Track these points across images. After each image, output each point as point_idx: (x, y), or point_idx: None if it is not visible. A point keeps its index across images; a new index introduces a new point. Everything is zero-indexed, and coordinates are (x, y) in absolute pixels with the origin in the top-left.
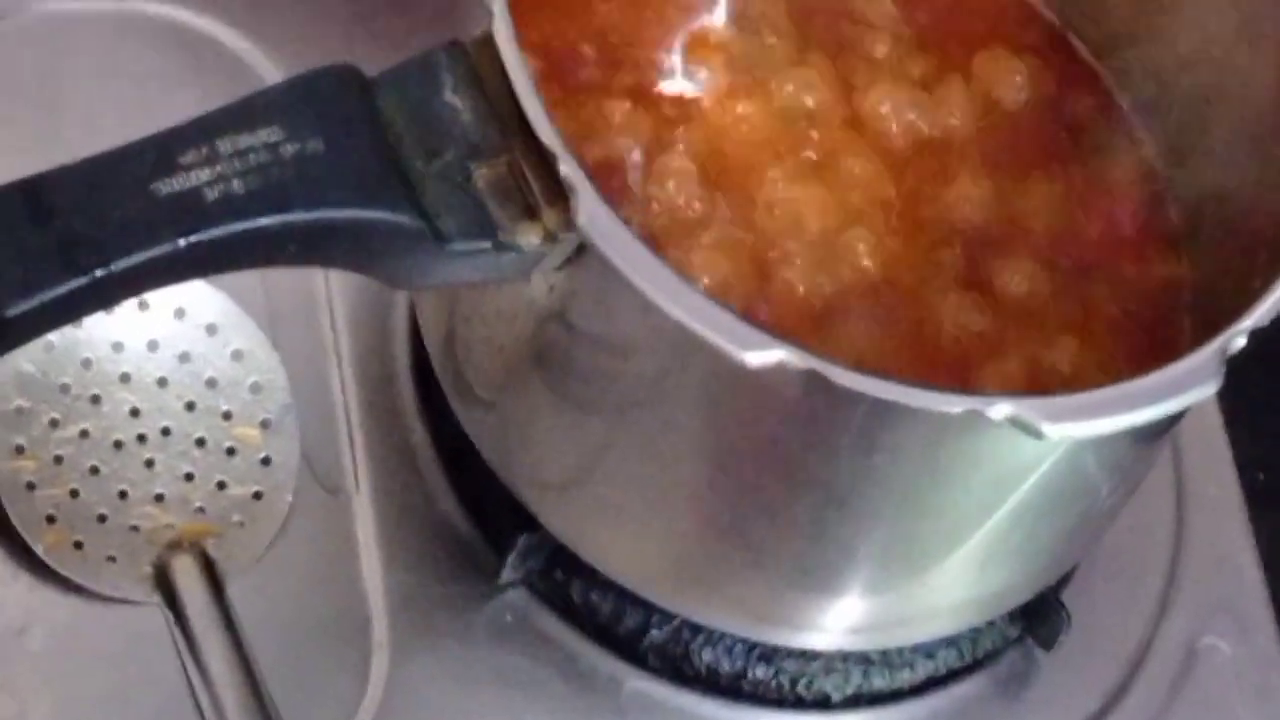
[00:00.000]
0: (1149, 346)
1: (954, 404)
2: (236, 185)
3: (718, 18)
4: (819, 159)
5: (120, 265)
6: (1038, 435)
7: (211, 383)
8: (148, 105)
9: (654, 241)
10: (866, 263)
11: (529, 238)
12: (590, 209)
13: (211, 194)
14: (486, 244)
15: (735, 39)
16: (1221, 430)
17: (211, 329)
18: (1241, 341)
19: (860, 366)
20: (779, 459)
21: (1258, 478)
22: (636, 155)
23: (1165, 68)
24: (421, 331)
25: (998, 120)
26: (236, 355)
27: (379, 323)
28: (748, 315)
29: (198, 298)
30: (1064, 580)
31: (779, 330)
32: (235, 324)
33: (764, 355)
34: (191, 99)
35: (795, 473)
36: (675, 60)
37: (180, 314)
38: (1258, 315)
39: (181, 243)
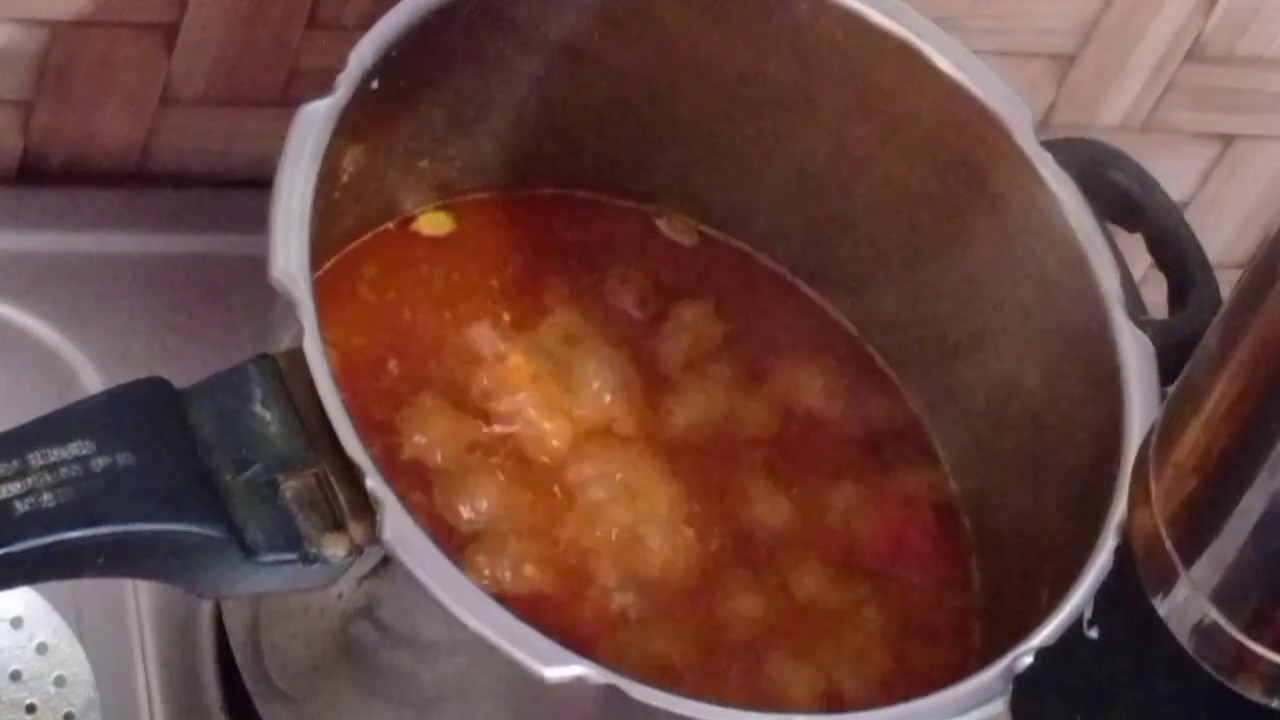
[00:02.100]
0: (939, 653)
1: None
2: (47, 499)
3: (519, 318)
4: (622, 467)
5: None
6: None
7: (15, 675)
8: None
9: (463, 543)
10: (664, 565)
11: (335, 549)
12: (396, 523)
13: (22, 507)
14: (293, 555)
15: (535, 338)
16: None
17: (16, 622)
18: (1028, 660)
19: (657, 680)
20: None
21: None
22: (442, 461)
23: (958, 384)
24: (226, 627)
25: (796, 426)
26: (41, 649)
27: (184, 617)
28: (547, 628)
29: (2, 591)
30: None
31: (580, 631)
32: (40, 618)
33: (564, 670)
34: (0, 392)
35: None
36: (481, 367)
37: None
38: (1044, 634)
39: None
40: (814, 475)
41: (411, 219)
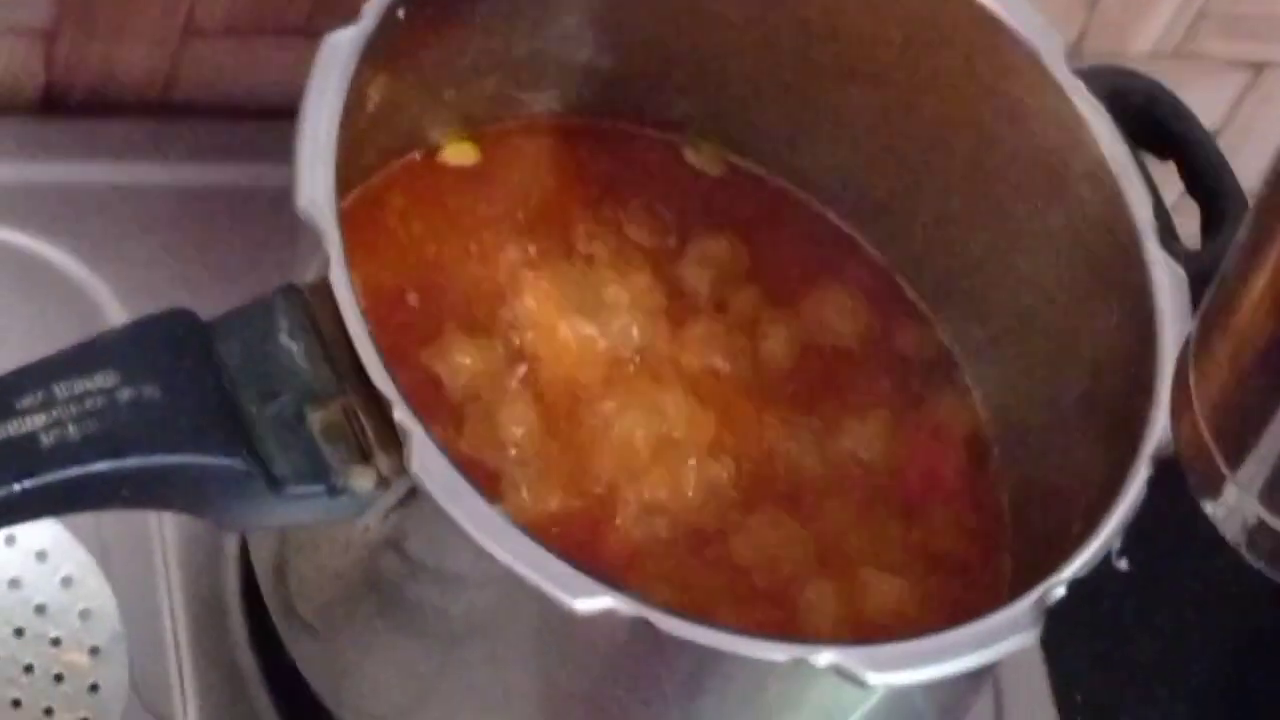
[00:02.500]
0: (970, 585)
1: (779, 652)
2: (72, 431)
3: (545, 250)
4: (649, 399)
5: None
6: (861, 684)
7: (40, 609)
8: None
9: (490, 476)
10: (692, 498)
11: (362, 482)
12: (423, 454)
13: (47, 439)
14: (320, 488)
15: (561, 270)
16: (1039, 655)
17: (41, 555)
18: (1060, 591)
19: (686, 612)
20: (607, 699)
21: (1075, 699)
22: (467, 393)
23: (987, 314)
24: (252, 560)
25: (824, 358)
26: (66, 582)
27: (209, 550)
28: (576, 560)
29: (28, 524)
30: None
31: (607, 564)
32: (65, 550)
33: (593, 602)
34: (24, 324)
35: (624, 712)
36: (507, 299)
37: (10, 540)
38: (1076, 565)
39: (16, 487)
40: (842, 407)
41: (437, 150)
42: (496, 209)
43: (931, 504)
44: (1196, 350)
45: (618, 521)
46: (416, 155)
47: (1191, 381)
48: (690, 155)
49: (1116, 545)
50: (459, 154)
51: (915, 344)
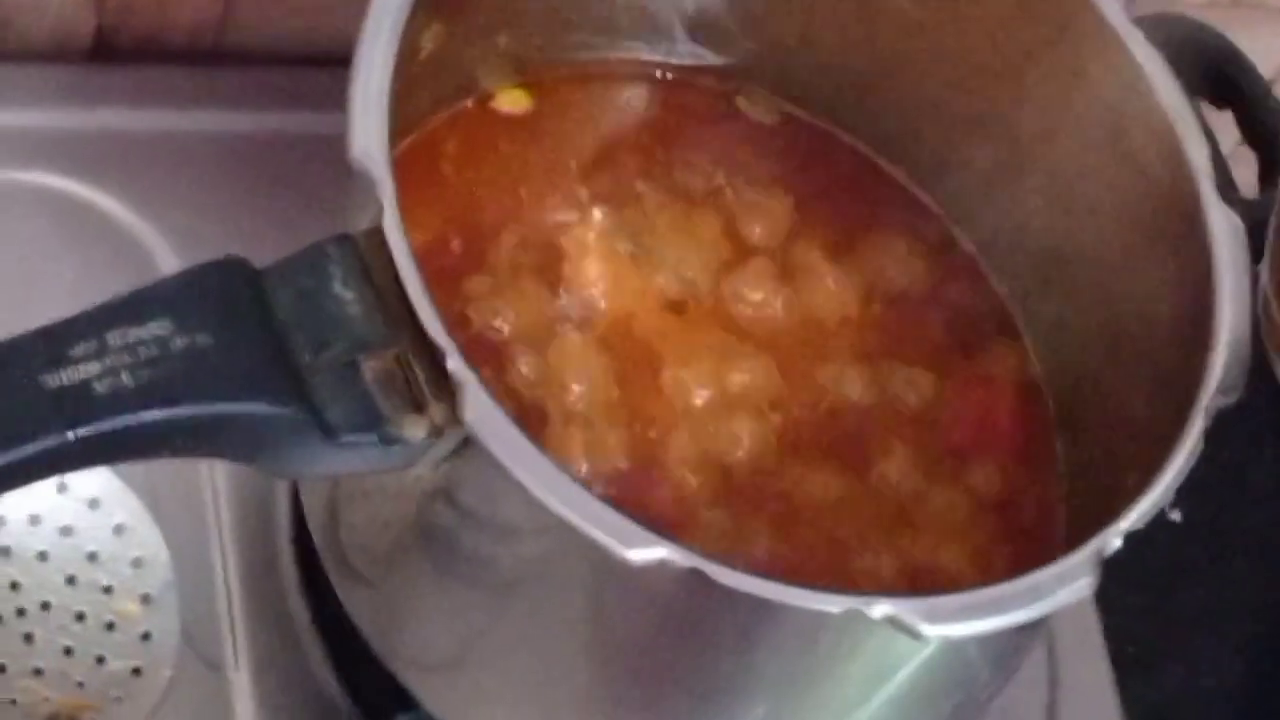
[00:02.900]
0: (1024, 536)
1: (834, 603)
2: (125, 379)
3: (597, 196)
4: (703, 349)
5: (7, 458)
6: (916, 636)
7: (93, 557)
8: (31, 276)
9: (541, 424)
10: (748, 448)
11: (415, 431)
12: (477, 404)
13: (100, 387)
14: (373, 437)
15: (613, 217)
16: (1092, 607)
17: (93, 503)
18: (1117, 543)
19: (741, 563)
20: (660, 651)
21: (1127, 650)
22: (521, 342)
23: (1042, 263)
24: (304, 508)
25: (879, 307)
26: (118, 530)
27: (261, 498)
28: (630, 510)
29: (80, 472)
30: None
31: (660, 516)
32: (117, 498)
33: (647, 553)
34: (76, 272)
35: (676, 665)
36: (560, 248)
37: (62, 488)
38: (1133, 517)
39: (70, 435)
40: (897, 357)
41: (490, 97)
42: (549, 156)
43: (986, 454)
44: None
45: (672, 472)
46: (469, 103)
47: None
48: (744, 105)
49: (1170, 497)
50: (512, 101)
51: (969, 293)
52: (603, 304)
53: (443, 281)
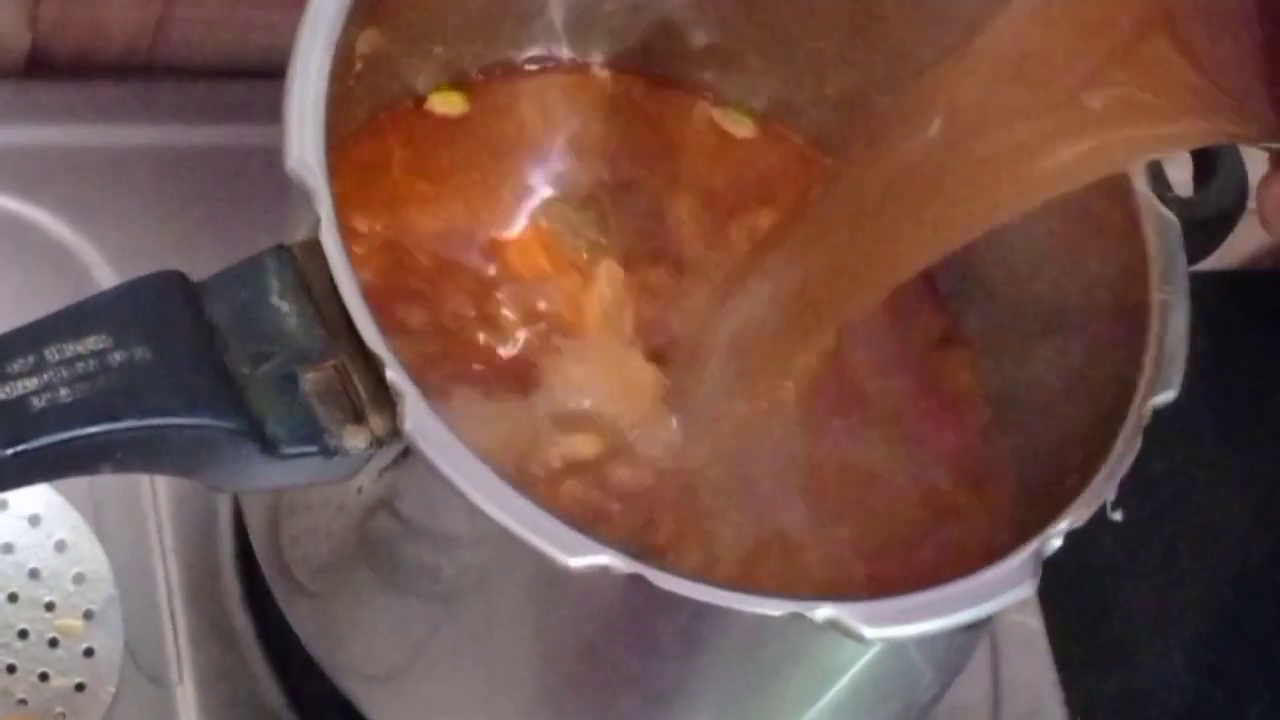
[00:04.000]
0: (965, 538)
1: (775, 607)
2: (64, 394)
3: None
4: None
5: None
6: (859, 639)
7: (34, 574)
8: None
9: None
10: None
11: (356, 442)
12: (416, 414)
13: (39, 403)
14: (313, 448)
15: (553, 215)
16: (1036, 608)
17: (34, 520)
18: (1057, 543)
19: (681, 569)
20: (603, 656)
21: (1072, 651)
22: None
23: (980, 265)
24: (246, 521)
25: None
26: (60, 546)
27: (203, 512)
28: (570, 518)
29: (20, 489)
30: None
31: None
32: (58, 515)
33: (588, 560)
34: (12, 288)
35: (619, 671)
36: (499, 251)
37: (3, 505)
38: (1072, 516)
39: (8, 452)
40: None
41: (424, 99)
42: (486, 157)
43: (931, 453)
44: None
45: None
46: (408, 103)
47: None
48: (716, 116)
49: (1111, 496)
50: (446, 104)
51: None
52: (546, 310)
53: (381, 291)
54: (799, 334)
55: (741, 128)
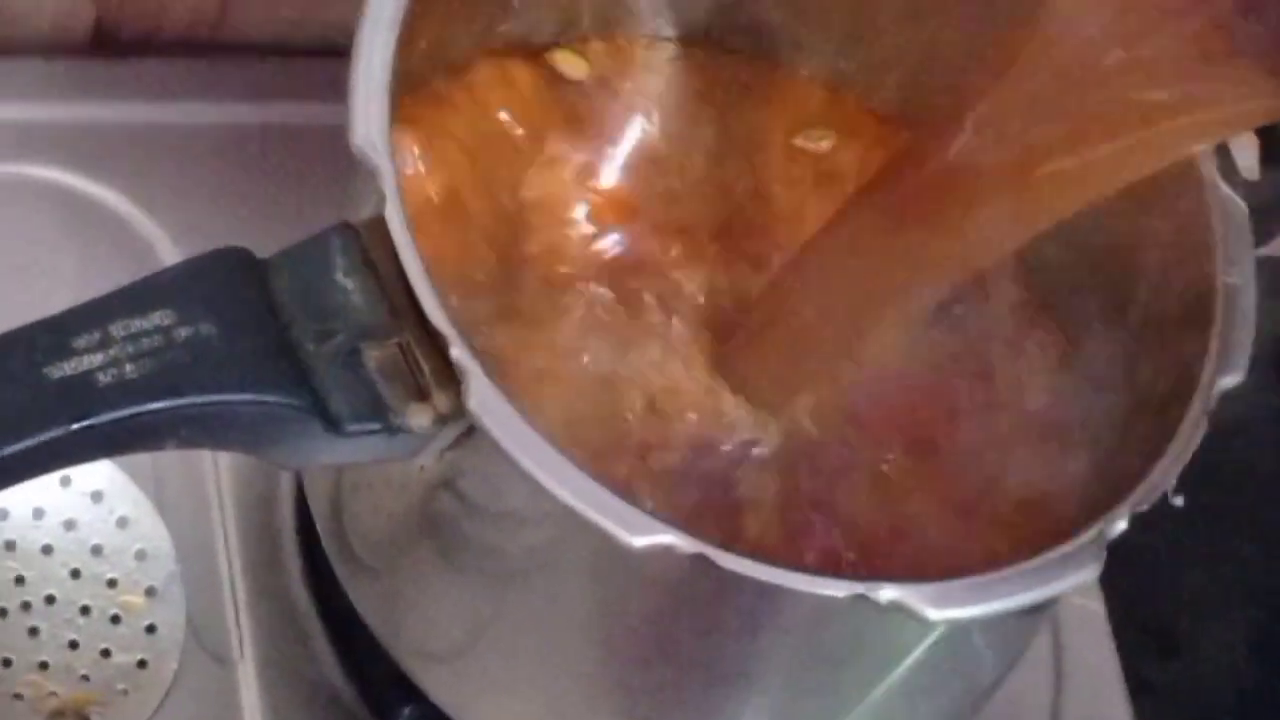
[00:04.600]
0: (1031, 520)
1: (839, 588)
2: (129, 369)
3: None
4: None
5: (10, 450)
6: (922, 620)
7: (97, 550)
8: (32, 270)
9: None
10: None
11: (419, 420)
12: (480, 392)
13: (104, 378)
14: (377, 426)
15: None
16: (1098, 591)
17: (97, 496)
18: (1121, 525)
19: (746, 549)
20: (665, 637)
21: (1133, 635)
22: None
23: (1041, 247)
24: (308, 499)
25: None
26: (122, 522)
27: (265, 489)
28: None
29: (84, 465)
30: None
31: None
32: (121, 491)
33: (651, 539)
34: (77, 265)
35: (681, 651)
36: (563, 224)
37: (66, 481)
38: (1137, 498)
39: (74, 427)
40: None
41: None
42: (545, 133)
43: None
44: None
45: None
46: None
47: None
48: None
49: (1172, 482)
50: (569, 64)
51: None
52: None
53: (446, 270)
54: (872, 313)
55: (823, 105)
